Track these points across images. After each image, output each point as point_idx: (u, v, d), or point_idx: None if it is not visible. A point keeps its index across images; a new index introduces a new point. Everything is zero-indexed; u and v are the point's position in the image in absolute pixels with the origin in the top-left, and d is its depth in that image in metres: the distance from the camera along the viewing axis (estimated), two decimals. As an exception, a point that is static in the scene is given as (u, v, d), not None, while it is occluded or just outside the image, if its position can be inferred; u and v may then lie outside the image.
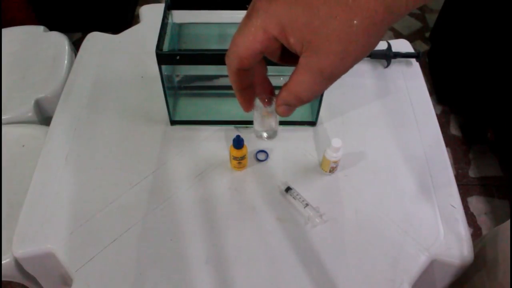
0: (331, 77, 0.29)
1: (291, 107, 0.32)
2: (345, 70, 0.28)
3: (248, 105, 0.35)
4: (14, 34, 1.23)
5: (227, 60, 0.31)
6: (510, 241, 0.61)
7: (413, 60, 0.97)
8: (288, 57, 0.32)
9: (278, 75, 0.85)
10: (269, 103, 0.36)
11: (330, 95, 0.85)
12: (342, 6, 0.25)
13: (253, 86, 0.34)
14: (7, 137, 0.98)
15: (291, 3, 0.27)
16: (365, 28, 0.25)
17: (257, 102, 0.35)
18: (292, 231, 0.69)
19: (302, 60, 0.28)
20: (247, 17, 0.30)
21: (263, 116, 0.38)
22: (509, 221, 0.71)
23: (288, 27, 0.27)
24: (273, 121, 0.40)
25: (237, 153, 0.72)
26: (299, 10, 0.26)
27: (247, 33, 0.29)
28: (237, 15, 0.81)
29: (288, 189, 0.73)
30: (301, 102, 0.31)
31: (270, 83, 0.36)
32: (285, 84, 0.31)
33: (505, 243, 0.66)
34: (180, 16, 0.80)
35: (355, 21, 0.25)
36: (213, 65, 0.81)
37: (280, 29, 0.27)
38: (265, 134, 0.43)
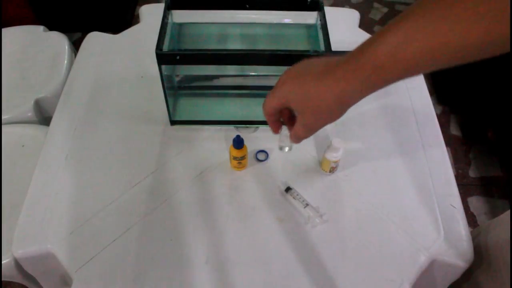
0: (311, 129, 0.49)
1: (295, 140, 0.53)
2: (319, 127, 0.49)
3: (276, 130, 0.55)
4: (14, 34, 1.23)
5: (263, 108, 0.52)
6: (510, 241, 0.61)
7: (413, 60, 0.96)
8: (290, 119, 0.53)
9: (279, 75, 0.85)
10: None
11: (330, 95, 0.84)
12: (316, 98, 0.45)
13: (279, 120, 0.54)
14: (7, 137, 0.98)
15: (293, 88, 0.47)
16: (330, 107, 0.45)
17: (284, 130, 0.56)
18: (292, 231, 0.69)
19: (297, 117, 0.49)
20: (273, 89, 0.50)
21: (286, 138, 0.61)
22: (496, 218, 0.71)
23: (290, 100, 0.47)
24: (289, 143, 0.66)
25: (237, 153, 0.72)
26: (296, 94, 0.46)
27: (270, 98, 0.50)
28: (237, 15, 0.81)
29: (288, 189, 0.73)
30: (300, 138, 0.52)
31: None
32: (292, 131, 0.52)
33: (495, 240, 0.66)
34: (180, 16, 0.80)
35: (321, 108, 0.45)
36: (213, 65, 0.81)
37: (286, 100, 0.48)
38: (286, 148, 0.74)
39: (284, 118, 0.55)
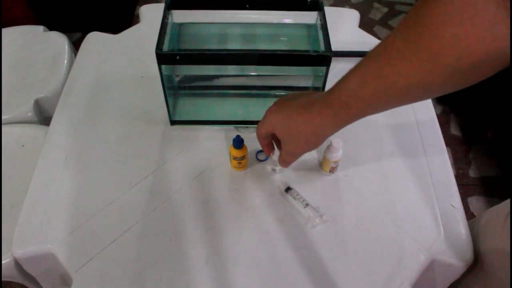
0: (293, 155, 0.59)
1: (283, 164, 0.63)
2: (300, 154, 0.58)
3: (268, 153, 0.65)
4: (14, 34, 1.23)
5: (256, 132, 0.61)
6: (510, 240, 0.61)
7: (413, 60, 0.96)
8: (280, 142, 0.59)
9: (279, 75, 0.86)
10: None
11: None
12: (295, 129, 0.53)
13: (271, 144, 0.64)
14: (7, 137, 0.98)
15: (278, 118, 0.55)
16: (307, 137, 0.53)
17: (276, 153, 0.65)
18: (292, 231, 0.69)
19: (281, 144, 0.58)
20: (263, 117, 0.58)
21: (277, 161, 0.65)
22: (487, 220, 0.71)
23: (275, 128, 0.56)
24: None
25: (237, 153, 0.72)
26: (280, 124, 0.55)
27: (260, 125, 0.58)
28: (237, 15, 0.81)
29: (288, 189, 0.73)
30: (287, 163, 0.62)
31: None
32: (279, 156, 0.61)
33: (487, 249, 0.66)
34: (180, 16, 0.80)
35: (299, 137, 0.53)
36: (213, 65, 0.81)
37: (272, 128, 0.56)
38: (277, 169, 0.77)
39: (275, 143, 0.64)
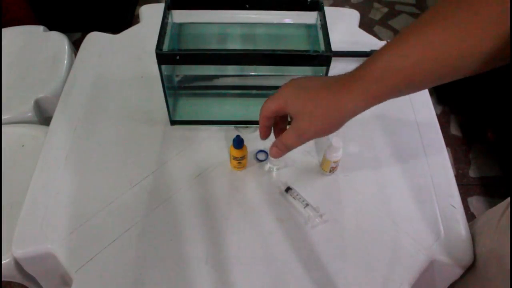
0: (301, 136, 0.50)
1: (278, 150, 0.54)
2: (309, 135, 0.49)
3: (265, 135, 0.57)
4: (14, 34, 1.23)
5: (260, 111, 0.53)
6: (510, 240, 0.61)
7: (413, 60, 0.96)
8: (280, 130, 0.56)
9: (279, 75, 0.86)
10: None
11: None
12: (314, 103, 0.47)
13: (271, 127, 0.56)
14: (7, 137, 0.98)
15: (293, 93, 0.49)
16: (325, 115, 0.47)
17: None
18: (292, 231, 0.69)
19: (292, 122, 0.50)
20: (273, 94, 0.51)
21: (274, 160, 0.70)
22: (483, 221, 0.71)
23: (288, 104, 0.49)
24: (278, 163, 0.77)
25: (237, 153, 0.72)
26: (296, 99, 0.49)
27: (269, 101, 0.51)
28: (237, 15, 0.81)
29: (288, 189, 0.73)
30: (285, 147, 0.52)
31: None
32: (279, 136, 0.53)
33: (484, 250, 0.66)
34: (180, 16, 0.80)
35: (317, 113, 0.47)
36: (213, 65, 0.81)
37: (285, 103, 0.50)
38: (275, 168, 0.77)
39: (274, 127, 0.57)
